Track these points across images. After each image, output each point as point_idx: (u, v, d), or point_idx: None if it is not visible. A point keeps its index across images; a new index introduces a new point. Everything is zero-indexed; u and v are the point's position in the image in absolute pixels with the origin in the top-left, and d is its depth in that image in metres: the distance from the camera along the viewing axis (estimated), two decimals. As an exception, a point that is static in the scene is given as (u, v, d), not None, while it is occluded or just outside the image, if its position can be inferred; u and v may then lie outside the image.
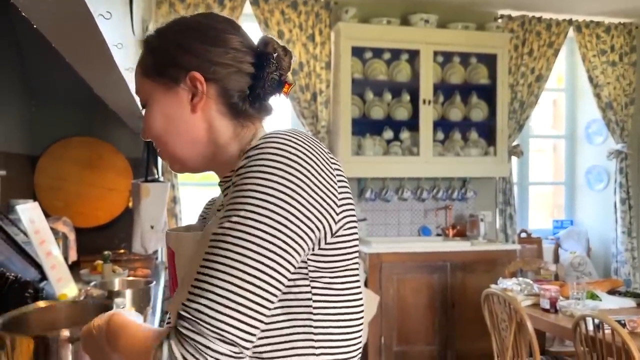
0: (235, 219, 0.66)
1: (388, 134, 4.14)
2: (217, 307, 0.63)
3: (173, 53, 0.83)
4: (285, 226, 0.66)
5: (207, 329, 0.62)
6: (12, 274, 1.61)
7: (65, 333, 1.03)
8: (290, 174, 0.68)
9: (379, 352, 3.65)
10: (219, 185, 0.90)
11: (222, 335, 0.62)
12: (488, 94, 4.28)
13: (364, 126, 4.09)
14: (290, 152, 0.69)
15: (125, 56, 1.41)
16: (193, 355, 0.61)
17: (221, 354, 0.62)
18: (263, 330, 0.70)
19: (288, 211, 0.67)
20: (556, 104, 5.27)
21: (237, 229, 0.66)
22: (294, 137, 0.72)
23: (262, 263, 0.65)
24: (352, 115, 3.98)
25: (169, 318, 0.94)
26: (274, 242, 0.65)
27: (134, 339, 0.73)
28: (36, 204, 2.00)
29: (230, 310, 0.63)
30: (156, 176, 3.04)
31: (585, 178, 5.02)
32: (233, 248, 0.65)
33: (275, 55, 0.84)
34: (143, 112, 0.88)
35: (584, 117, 4.99)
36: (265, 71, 0.84)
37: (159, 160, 3.71)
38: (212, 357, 0.61)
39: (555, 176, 5.28)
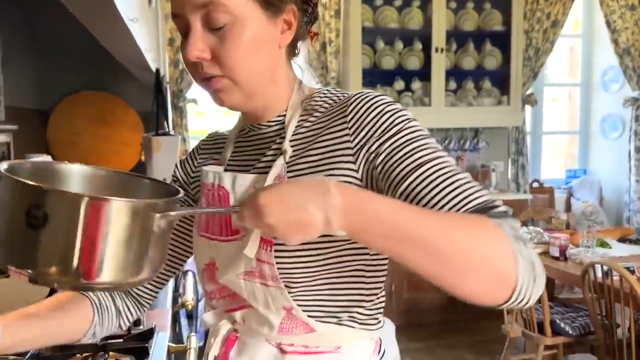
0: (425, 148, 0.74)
1: (399, 84, 4.09)
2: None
3: None
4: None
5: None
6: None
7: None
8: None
9: (390, 298, 3.73)
10: (251, 127, 0.87)
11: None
12: (502, 41, 4.17)
13: (374, 76, 4.03)
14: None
15: (129, 6, 1.39)
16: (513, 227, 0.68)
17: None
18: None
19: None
20: (572, 51, 5.14)
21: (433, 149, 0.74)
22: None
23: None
24: (363, 65, 3.91)
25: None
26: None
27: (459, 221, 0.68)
28: (49, 157, 2.02)
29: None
30: (167, 130, 3.05)
31: (600, 126, 4.94)
32: (444, 159, 0.73)
33: (314, 5, 0.84)
34: (195, 21, 0.75)
35: (601, 64, 4.87)
36: (307, 16, 0.83)
37: (169, 113, 3.72)
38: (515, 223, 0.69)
39: (569, 125, 5.20)
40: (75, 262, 0.58)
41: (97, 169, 0.78)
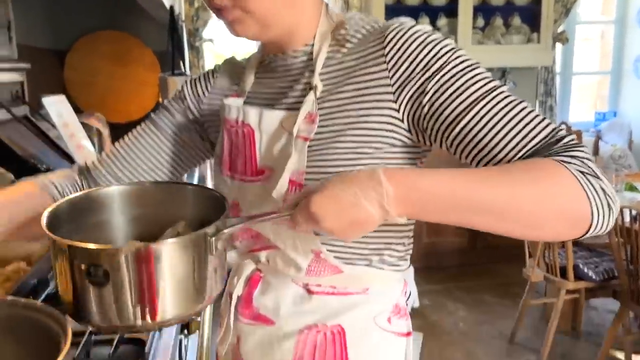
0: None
1: (424, 20, 3.90)
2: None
3: None
4: None
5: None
6: (44, 166, 1.63)
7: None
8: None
9: (410, 243, 3.71)
10: (281, 56, 0.80)
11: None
12: (533, -26, 3.94)
13: (398, 12, 3.83)
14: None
15: None
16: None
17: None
18: None
19: None
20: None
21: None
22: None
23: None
24: (385, 1, 3.73)
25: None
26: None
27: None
28: (63, 97, 1.99)
29: None
30: (183, 70, 2.98)
31: (633, 66, 4.71)
32: (498, 90, 0.68)
33: None
34: None
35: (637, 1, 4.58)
36: None
37: (185, 53, 3.63)
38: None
39: (601, 66, 4.98)
40: (141, 308, 0.59)
41: (136, 185, 0.80)
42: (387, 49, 0.70)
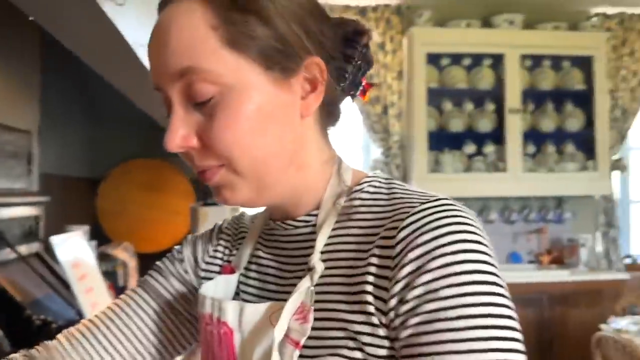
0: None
1: (470, 147, 3.75)
2: None
3: (295, 28, 0.57)
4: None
5: None
6: (40, 317, 1.39)
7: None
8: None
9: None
10: (281, 225, 0.64)
11: None
12: (584, 100, 3.80)
13: (441, 140, 3.73)
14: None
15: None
16: None
17: None
18: None
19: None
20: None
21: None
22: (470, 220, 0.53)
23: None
24: (428, 128, 3.63)
25: None
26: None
27: None
28: (79, 232, 1.81)
29: None
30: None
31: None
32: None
33: (365, 47, 0.62)
34: (175, 96, 0.56)
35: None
36: (353, 67, 0.61)
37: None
38: None
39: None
40: None
41: None
42: (398, 247, 0.53)
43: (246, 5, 0.54)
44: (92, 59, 0.96)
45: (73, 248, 1.68)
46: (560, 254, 3.78)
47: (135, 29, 0.85)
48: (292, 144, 0.58)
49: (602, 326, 2.63)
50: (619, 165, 3.97)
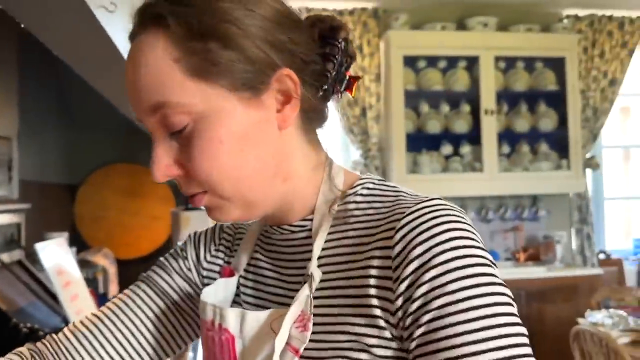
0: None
1: (447, 148, 3.81)
2: None
3: (260, 43, 0.56)
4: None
5: None
6: (27, 325, 1.38)
7: None
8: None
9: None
10: (278, 229, 0.64)
11: None
12: (557, 101, 3.89)
13: (419, 141, 3.78)
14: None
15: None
16: None
17: None
18: None
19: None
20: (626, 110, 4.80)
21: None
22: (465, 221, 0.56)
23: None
24: (406, 130, 3.67)
25: None
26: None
27: None
28: (61, 239, 1.79)
29: None
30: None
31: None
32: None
33: (344, 41, 0.61)
34: (155, 129, 0.57)
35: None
36: (334, 65, 0.61)
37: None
38: None
39: (630, 189, 4.79)
40: None
41: None
42: (396, 248, 0.54)
43: (206, 33, 0.54)
44: (79, 65, 0.95)
45: (56, 255, 1.66)
46: (536, 251, 3.86)
47: (126, 35, 0.86)
48: (274, 158, 0.58)
49: (580, 320, 2.70)
50: (591, 163, 4.07)
